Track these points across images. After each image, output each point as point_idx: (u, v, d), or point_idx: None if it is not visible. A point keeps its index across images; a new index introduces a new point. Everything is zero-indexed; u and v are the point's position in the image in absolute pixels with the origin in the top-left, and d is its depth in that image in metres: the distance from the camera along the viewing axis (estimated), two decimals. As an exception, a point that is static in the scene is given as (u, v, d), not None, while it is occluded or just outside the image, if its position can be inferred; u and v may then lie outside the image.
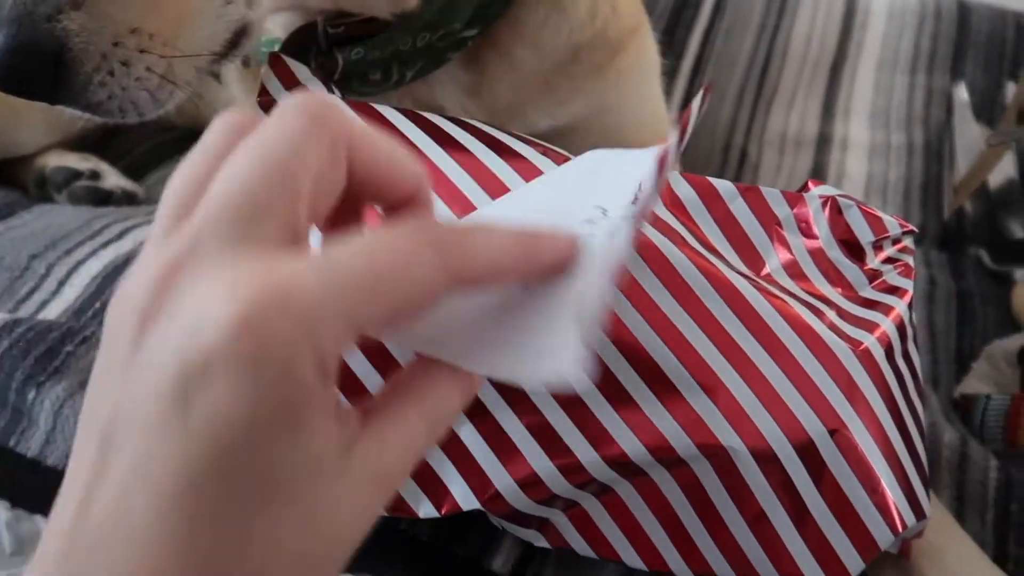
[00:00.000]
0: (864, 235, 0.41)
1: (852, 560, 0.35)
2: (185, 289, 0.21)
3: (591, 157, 0.38)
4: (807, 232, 0.41)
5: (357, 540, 0.23)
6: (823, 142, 0.78)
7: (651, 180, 0.33)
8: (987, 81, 0.83)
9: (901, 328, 0.39)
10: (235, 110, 0.26)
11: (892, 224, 0.41)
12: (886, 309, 0.39)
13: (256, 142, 0.23)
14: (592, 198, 0.35)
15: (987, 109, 0.79)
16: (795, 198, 0.41)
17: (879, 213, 0.42)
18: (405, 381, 0.25)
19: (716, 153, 0.79)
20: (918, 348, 0.41)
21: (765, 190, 0.41)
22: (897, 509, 0.36)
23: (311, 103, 0.24)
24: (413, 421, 0.24)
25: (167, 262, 0.22)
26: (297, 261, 0.22)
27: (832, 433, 0.35)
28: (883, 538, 0.35)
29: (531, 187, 0.37)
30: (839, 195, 0.41)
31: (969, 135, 0.75)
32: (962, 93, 0.79)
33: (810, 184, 0.43)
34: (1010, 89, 0.80)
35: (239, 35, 0.42)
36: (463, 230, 0.25)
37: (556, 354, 0.28)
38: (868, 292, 0.40)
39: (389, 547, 0.42)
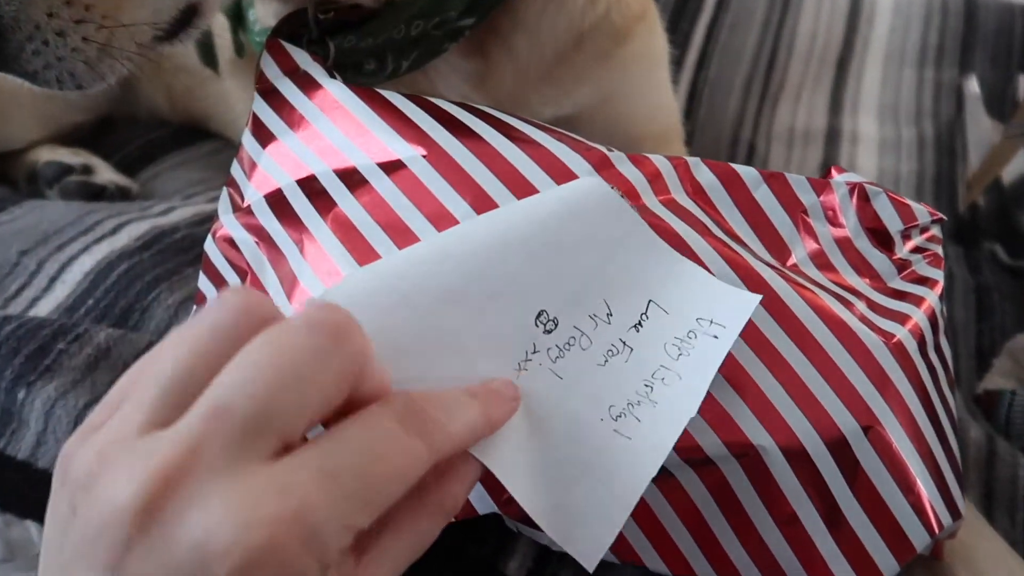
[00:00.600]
0: (893, 224, 0.39)
1: (887, 563, 0.34)
2: (190, 502, 0.21)
3: (612, 214, 0.35)
4: (834, 220, 0.39)
5: None
6: (832, 136, 0.77)
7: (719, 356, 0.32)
8: (996, 75, 0.82)
9: (933, 320, 0.37)
10: (243, 289, 0.26)
11: (921, 212, 0.40)
12: (917, 300, 0.38)
13: (276, 350, 0.23)
14: (601, 283, 0.34)
15: (997, 103, 0.78)
16: (821, 185, 0.39)
17: (908, 201, 0.40)
18: (393, 515, 0.25)
19: (724, 147, 0.77)
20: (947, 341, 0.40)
21: (790, 176, 0.39)
22: (933, 509, 0.34)
23: (336, 319, 0.24)
24: (400, 554, 0.26)
25: (167, 464, 0.21)
26: (299, 472, 0.22)
27: (866, 430, 0.33)
28: (919, 540, 0.34)
29: (529, 226, 0.34)
30: (866, 182, 0.40)
31: (981, 129, 0.74)
32: (973, 87, 0.78)
33: (833, 171, 0.41)
34: (1022, 82, 0.79)
35: (188, 14, 0.41)
36: (439, 406, 0.27)
37: (591, 539, 0.31)
38: (898, 283, 0.39)
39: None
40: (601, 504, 0.31)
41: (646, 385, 0.33)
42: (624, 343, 0.33)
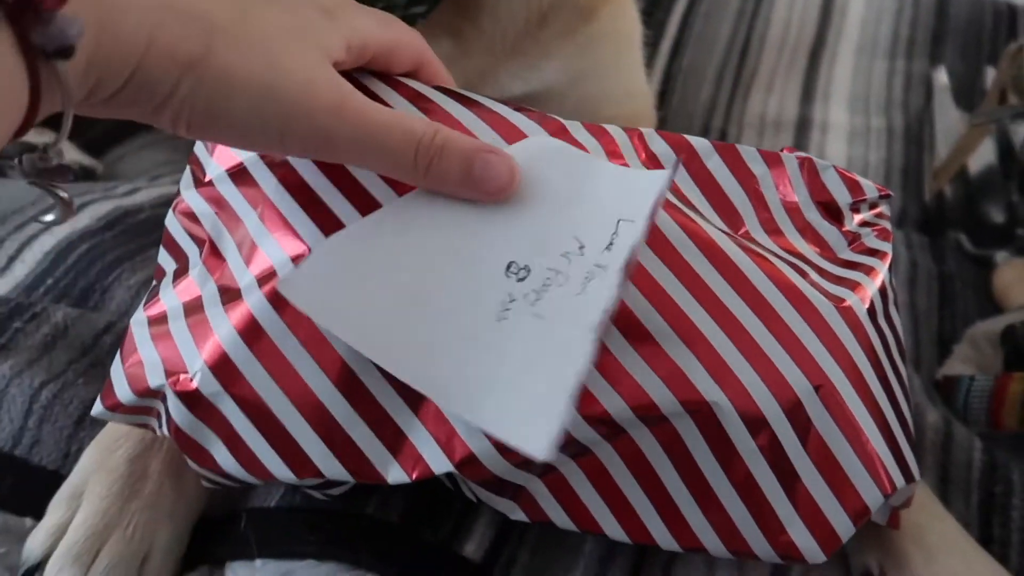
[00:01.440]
0: (842, 197, 0.40)
1: (843, 525, 0.34)
2: None
3: (565, 158, 0.36)
4: (784, 192, 0.39)
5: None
6: (803, 125, 0.77)
7: (640, 227, 0.33)
8: (965, 68, 0.82)
9: (883, 290, 0.38)
10: None
11: (869, 187, 0.40)
12: (867, 270, 0.38)
13: None
14: (568, 223, 0.34)
15: (966, 95, 0.79)
16: (772, 157, 0.40)
17: (856, 176, 0.40)
18: None
19: (695, 134, 0.77)
20: (899, 314, 0.40)
21: (742, 148, 0.39)
22: (886, 469, 0.34)
23: None
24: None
25: None
26: None
27: (817, 389, 0.34)
28: (873, 500, 0.34)
29: None
30: (813, 160, 0.40)
31: (949, 119, 0.74)
32: (942, 77, 0.79)
33: (785, 150, 0.41)
34: (990, 74, 0.79)
35: None
36: None
37: (532, 421, 0.30)
38: (847, 254, 0.39)
39: (357, 533, 0.40)
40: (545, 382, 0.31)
41: (620, 286, 0.32)
42: (598, 266, 0.33)
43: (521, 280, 0.33)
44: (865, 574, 0.40)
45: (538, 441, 0.29)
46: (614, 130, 0.38)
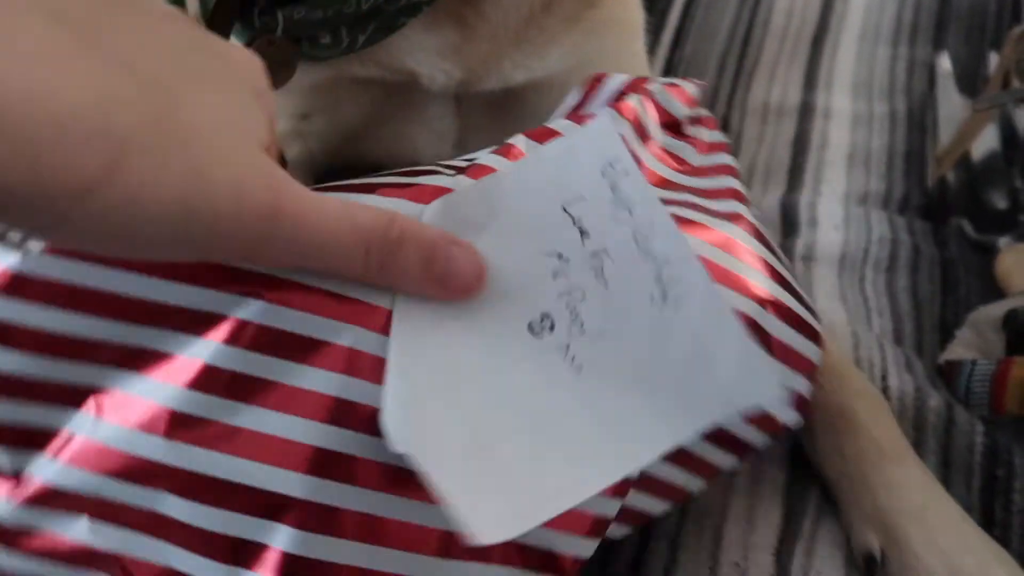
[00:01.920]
0: (679, 111, 0.41)
1: (804, 387, 0.38)
2: None
3: (476, 198, 0.32)
4: (644, 136, 0.40)
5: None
6: (805, 111, 0.77)
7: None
8: (969, 53, 0.82)
9: (738, 176, 0.41)
10: None
11: (691, 88, 0.42)
12: (725, 169, 0.41)
13: None
14: (530, 248, 0.32)
15: (969, 81, 0.79)
16: (628, 110, 0.40)
17: (680, 84, 0.42)
18: None
19: (697, 123, 0.77)
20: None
21: (599, 118, 0.38)
22: (813, 329, 0.38)
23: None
24: None
25: None
26: None
27: (765, 305, 0.35)
28: (816, 356, 0.38)
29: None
30: (645, 84, 0.41)
31: (951, 105, 0.74)
32: (944, 63, 0.79)
33: (600, 78, 0.42)
34: (993, 59, 0.79)
35: None
36: None
37: (746, 380, 0.30)
38: (700, 159, 0.41)
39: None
40: (741, 357, 0.30)
41: (644, 256, 0.31)
42: (594, 255, 0.32)
43: (553, 329, 0.31)
44: (866, 555, 0.41)
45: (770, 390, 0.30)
46: (488, 158, 0.36)
